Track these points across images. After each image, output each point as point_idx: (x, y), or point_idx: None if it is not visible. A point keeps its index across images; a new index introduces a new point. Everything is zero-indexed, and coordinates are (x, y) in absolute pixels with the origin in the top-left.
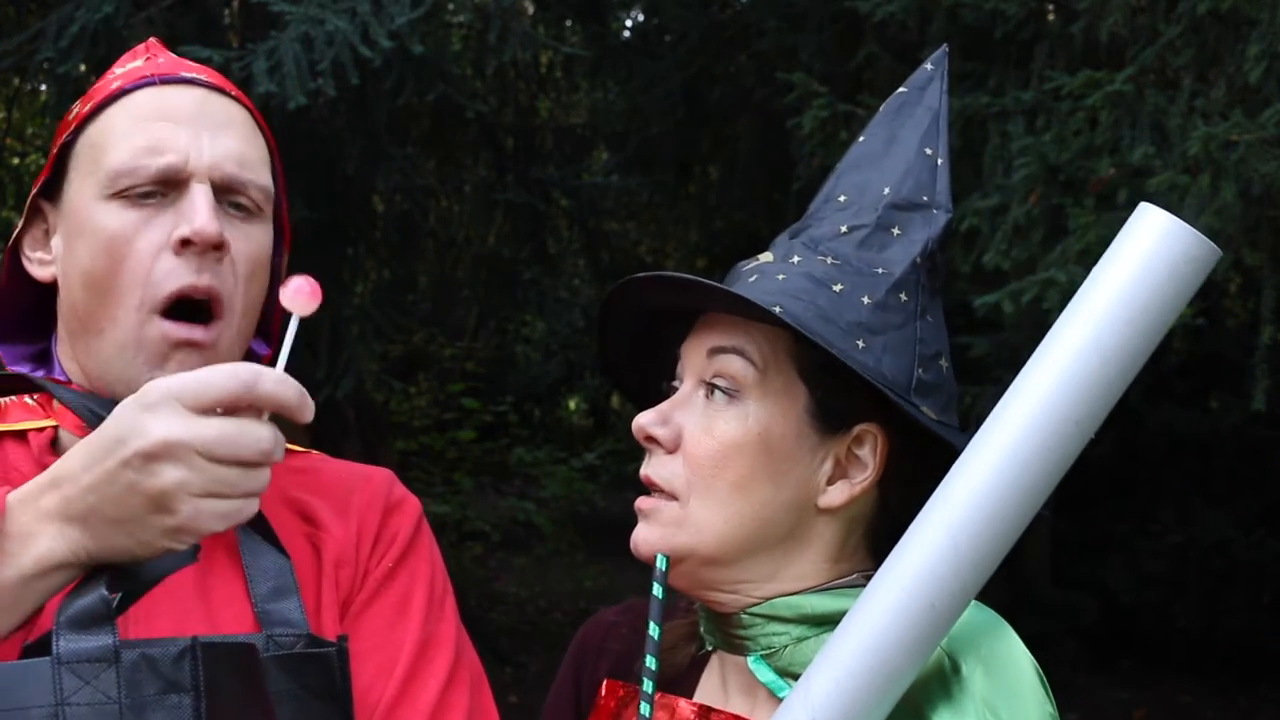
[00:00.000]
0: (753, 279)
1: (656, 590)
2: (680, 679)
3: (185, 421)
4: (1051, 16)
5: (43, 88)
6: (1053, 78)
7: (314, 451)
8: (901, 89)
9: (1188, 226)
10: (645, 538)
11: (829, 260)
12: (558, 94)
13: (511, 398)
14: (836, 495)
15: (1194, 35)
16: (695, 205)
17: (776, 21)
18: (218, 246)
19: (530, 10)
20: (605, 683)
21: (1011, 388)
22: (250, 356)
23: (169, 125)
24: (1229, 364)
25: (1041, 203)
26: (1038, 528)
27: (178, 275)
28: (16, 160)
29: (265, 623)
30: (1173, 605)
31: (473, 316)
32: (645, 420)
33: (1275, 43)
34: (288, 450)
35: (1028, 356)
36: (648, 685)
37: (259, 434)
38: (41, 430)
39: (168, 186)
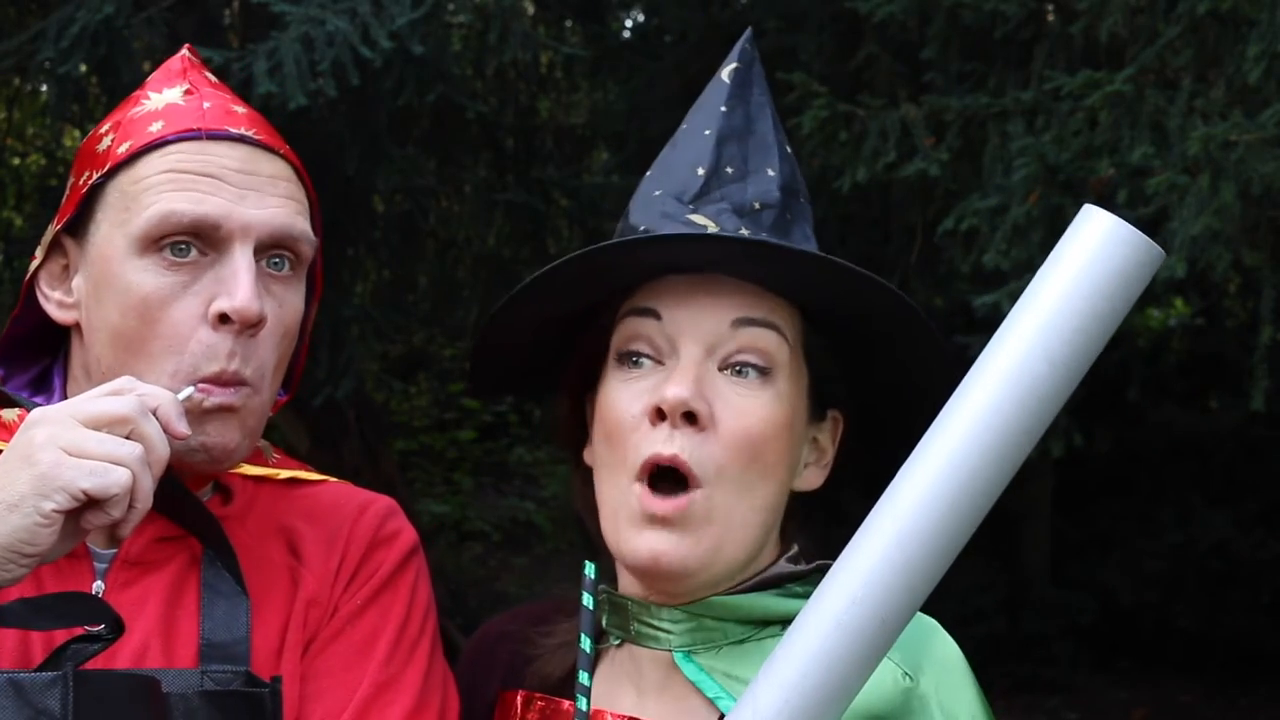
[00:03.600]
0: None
1: (587, 600)
2: (569, 677)
3: (67, 400)
4: (1051, 16)
5: (43, 88)
6: (1053, 78)
7: (331, 480)
8: (735, 64)
9: (1134, 230)
10: (675, 552)
11: (775, 241)
12: (558, 94)
13: (511, 397)
14: (813, 479)
15: (1194, 35)
16: None
17: (776, 21)
18: (256, 324)
19: (530, 10)
20: (519, 694)
21: (958, 393)
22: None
23: (211, 181)
24: (1229, 364)
25: (1041, 203)
26: (1037, 527)
27: (214, 357)
28: (17, 160)
29: (205, 658)
30: (1172, 605)
31: (473, 316)
32: (686, 393)
33: (1275, 43)
34: (300, 480)
35: None
36: (582, 703)
37: (126, 400)
38: None
39: (206, 245)
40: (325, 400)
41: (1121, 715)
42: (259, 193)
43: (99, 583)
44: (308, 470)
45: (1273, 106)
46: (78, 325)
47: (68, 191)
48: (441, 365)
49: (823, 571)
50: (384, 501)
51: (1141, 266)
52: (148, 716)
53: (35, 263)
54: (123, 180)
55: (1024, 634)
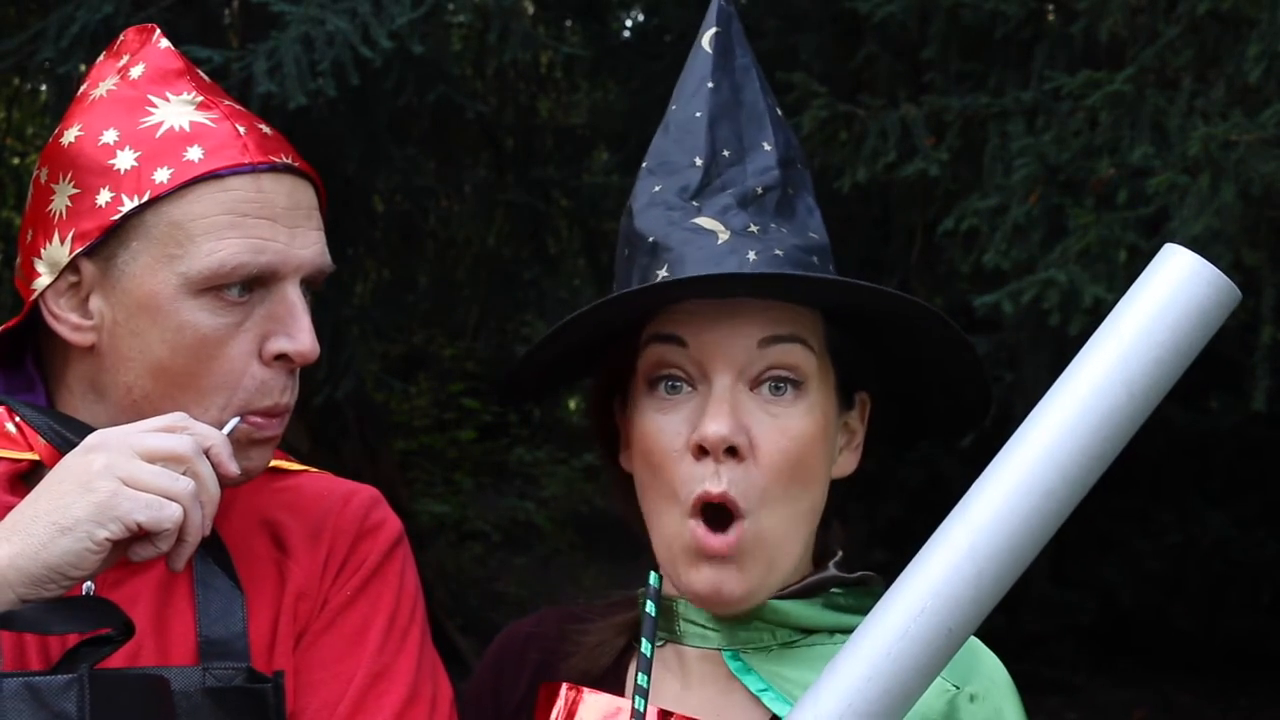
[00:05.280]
0: (752, 255)
1: (650, 609)
2: (605, 675)
3: (123, 429)
4: (1051, 16)
5: (43, 88)
6: (1053, 78)
7: (310, 470)
8: (714, 28)
9: (1216, 270)
10: (737, 586)
11: (784, 230)
12: (558, 94)
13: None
14: (848, 464)
15: (1194, 35)
16: None
17: (776, 21)
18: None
19: (530, 10)
20: (564, 686)
21: (1038, 412)
22: None
23: (269, 224)
24: (1229, 364)
25: (1041, 203)
26: None
27: (268, 393)
28: (17, 160)
29: (205, 655)
30: (1172, 605)
31: (473, 316)
32: (726, 429)
33: (1275, 43)
34: (280, 470)
35: (1027, 357)
36: (640, 704)
37: (183, 439)
38: (16, 461)
39: (257, 284)
40: (325, 400)
41: (1121, 715)
42: (304, 229)
43: (89, 583)
44: (286, 459)
45: (1273, 106)
46: (92, 346)
47: (68, 201)
48: (441, 365)
49: (866, 582)
50: (367, 491)
51: (1221, 306)
52: (159, 715)
53: (39, 279)
54: (171, 213)
55: (1024, 633)
